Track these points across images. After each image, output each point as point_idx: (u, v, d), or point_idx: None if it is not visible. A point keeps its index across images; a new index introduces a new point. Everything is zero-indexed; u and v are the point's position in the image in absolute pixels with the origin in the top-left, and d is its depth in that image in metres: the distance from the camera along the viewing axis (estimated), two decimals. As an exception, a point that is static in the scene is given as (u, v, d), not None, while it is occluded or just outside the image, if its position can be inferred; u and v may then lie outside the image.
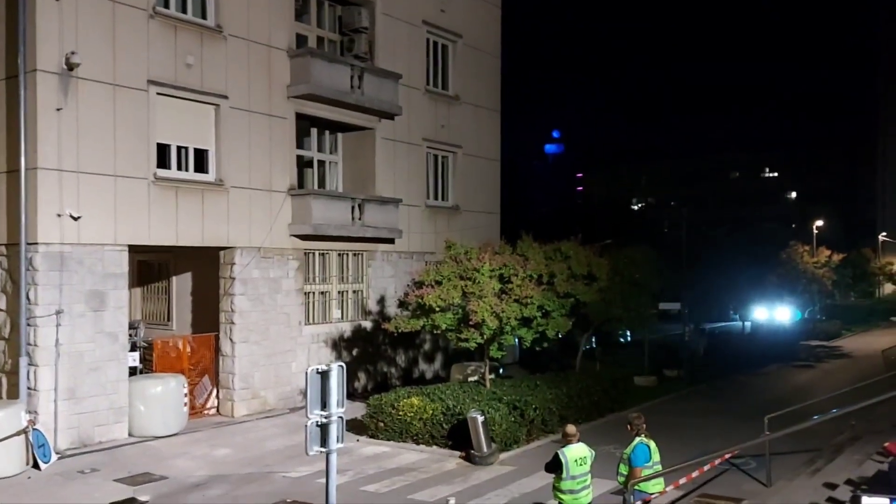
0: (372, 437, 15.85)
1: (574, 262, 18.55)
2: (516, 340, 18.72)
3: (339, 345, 20.60)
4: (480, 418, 13.96)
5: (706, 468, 11.69)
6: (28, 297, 14.61)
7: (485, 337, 15.96)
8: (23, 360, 14.54)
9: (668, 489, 10.18)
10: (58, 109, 14.70)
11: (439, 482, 13.04)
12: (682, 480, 10.95)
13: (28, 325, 14.59)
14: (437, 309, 15.99)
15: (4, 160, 15.16)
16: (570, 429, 9.36)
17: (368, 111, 21.28)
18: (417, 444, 15.29)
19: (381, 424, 15.76)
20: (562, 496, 9.10)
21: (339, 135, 22.37)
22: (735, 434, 14.65)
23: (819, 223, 54.85)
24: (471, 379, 18.46)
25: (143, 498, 12.11)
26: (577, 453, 9.11)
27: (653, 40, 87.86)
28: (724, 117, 79.57)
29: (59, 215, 14.72)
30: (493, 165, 26.69)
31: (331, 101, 20.10)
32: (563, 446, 9.21)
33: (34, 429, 13.78)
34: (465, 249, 17.05)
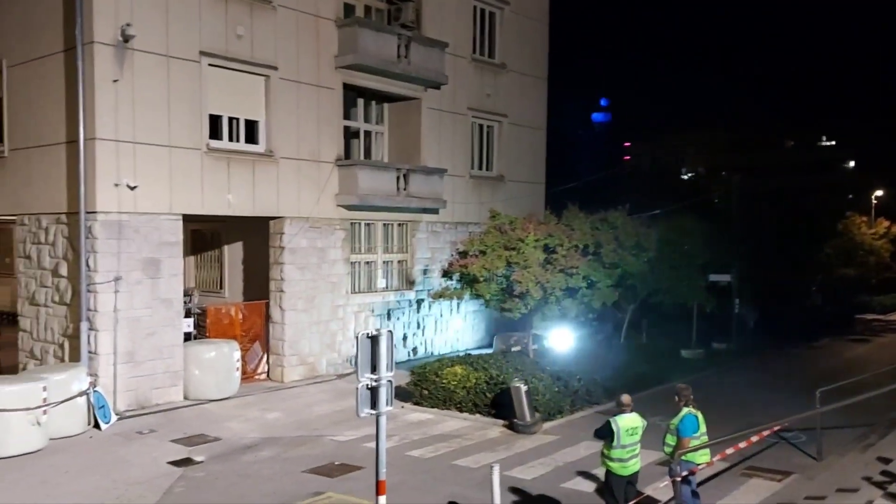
0: (416, 404, 16.12)
1: (621, 233, 18.40)
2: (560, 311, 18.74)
3: (384, 313, 20.88)
4: (524, 388, 14.08)
5: (754, 439, 11.62)
6: (88, 265, 15.15)
7: (529, 307, 16.01)
8: (83, 325, 15.14)
9: (714, 460, 10.17)
10: (114, 81, 15.06)
11: (483, 449, 13.24)
12: (730, 451, 10.91)
13: (88, 291, 15.16)
14: (481, 278, 16.08)
15: (64, 131, 15.64)
16: (625, 398, 9.35)
17: (415, 81, 21.27)
18: (461, 412, 15.51)
19: (425, 392, 16.01)
20: (610, 463, 9.18)
21: (385, 105, 22.44)
22: (785, 407, 14.50)
23: (878, 193, 53.00)
24: (514, 349, 18.58)
25: (198, 458, 12.60)
26: (629, 423, 9.16)
27: (705, 6, 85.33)
28: (777, 84, 77.17)
29: (116, 185, 15.17)
30: (538, 134, 26.48)
31: (377, 71, 20.14)
32: (616, 414, 9.24)
33: (95, 390, 14.40)
34: (509, 219, 17.07)
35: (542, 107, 26.61)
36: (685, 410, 9.51)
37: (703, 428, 9.64)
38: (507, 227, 16.72)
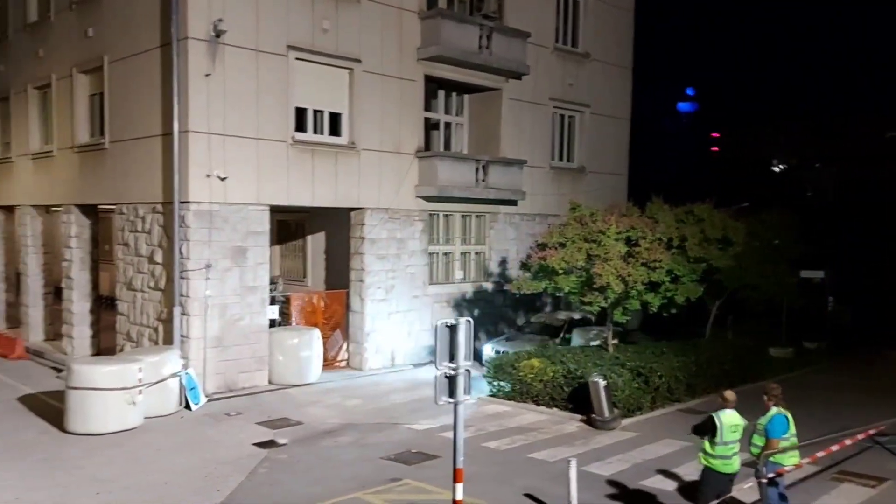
0: (492, 396, 16.14)
1: (707, 226, 17.85)
2: (641, 305, 18.37)
3: (460, 305, 20.97)
4: (602, 383, 13.90)
5: (847, 443, 11.13)
6: (181, 252, 15.82)
7: (609, 301, 15.76)
8: (176, 310, 15.84)
9: (803, 462, 9.80)
10: (206, 75, 15.64)
11: (560, 443, 13.16)
12: (821, 454, 10.48)
13: (181, 277, 15.85)
14: (560, 271, 15.91)
15: (160, 124, 16.35)
16: (729, 394, 9.05)
17: (496, 71, 21.20)
18: (537, 405, 15.44)
19: (502, 384, 16.00)
20: (712, 461, 8.94)
21: (466, 96, 22.46)
22: (879, 411, 13.82)
23: None
24: (593, 343, 18.34)
25: (281, 441, 13.01)
26: (732, 420, 8.91)
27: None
28: (876, 71, 72.86)
29: (207, 176, 15.76)
30: (621, 125, 25.96)
31: (459, 63, 20.17)
32: (718, 410, 9.00)
33: (186, 373, 15.07)
34: (590, 211, 16.79)
35: (626, 96, 26.07)
36: (774, 410, 9.18)
37: (793, 429, 9.30)
38: (587, 219, 16.44)
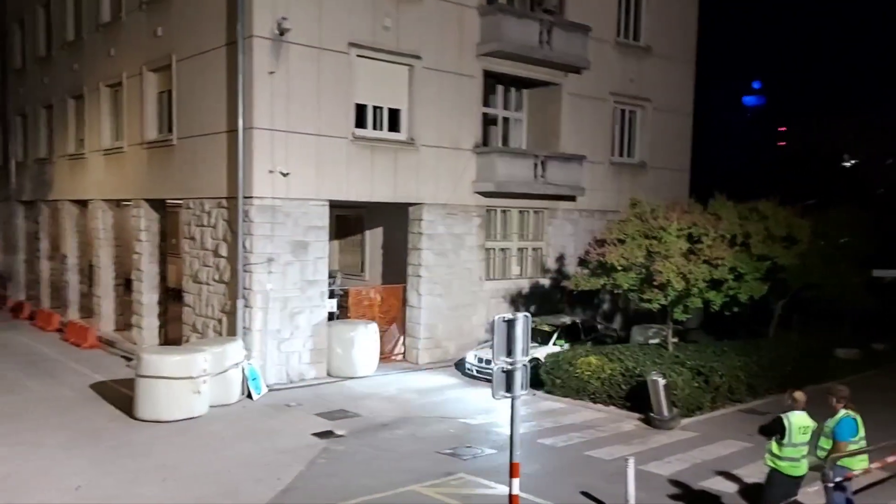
0: (548, 392, 16.08)
1: (772, 223, 17.41)
2: (702, 303, 18.02)
3: (517, 301, 20.93)
4: (662, 381, 13.70)
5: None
6: (244, 246, 16.23)
7: (669, 298, 15.51)
8: (239, 303, 16.27)
9: (872, 467, 9.47)
10: (270, 73, 15.98)
11: (617, 442, 13.03)
12: (891, 459, 10.11)
13: (244, 271, 16.26)
14: (620, 268, 15.73)
15: (225, 121, 16.78)
16: (799, 395, 8.81)
17: (556, 66, 21.06)
18: (594, 402, 15.32)
19: (558, 381, 15.93)
20: (780, 463, 8.74)
21: (525, 91, 22.37)
22: (955, 418, 13.20)
23: None
24: (652, 341, 18.08)
25: (339, 432, 13.24)
26: (801, 421, 8.70)
27: (874, -23, 78.08)
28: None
29: (270, 172, 16.11)
30: (684, 120, 25.46)
31: (518, 58, 20.11)
32: (787, 411, 8.79)
33: (248, 363, 15.46)
34: (651, 207, 16.55)
35: (689, 90, 25.56)
36: (843, 413, 8.91)
37: (861, 432, 9.00)
38: (648, 215, 16.22)
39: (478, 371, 17.22)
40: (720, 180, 20.57)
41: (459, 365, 18.38)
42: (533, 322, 17.01)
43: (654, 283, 15.29)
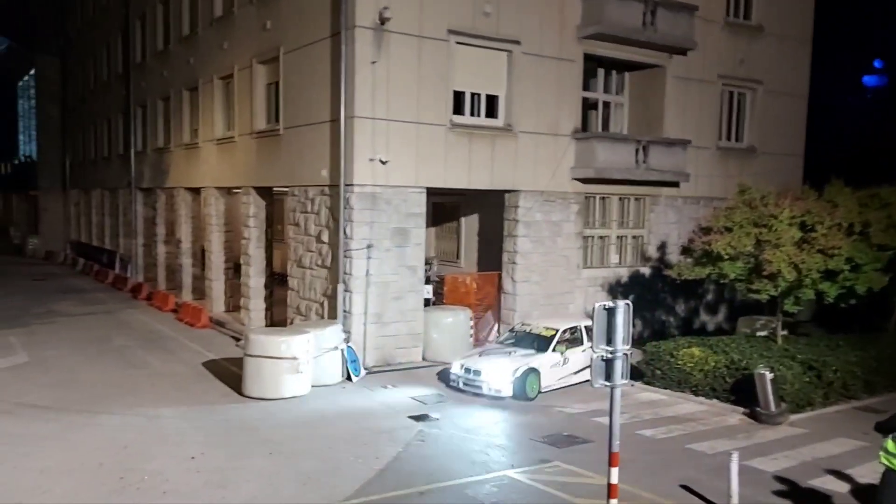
0: (647, 383, 15.74)
1: (895, 210, 16.34)
2: (815, 295, 17.13)
3: (615, 290, 20.53)
4: (769, 375, 13.15)
5: None
6: (345, 232, 16.67)
7: (779, 289, 14.84)
8: (340, 287, 16.74)
9: None
10: (372, 62, 16.27)
11: (720, 436, 12.62)
12: None
13: (345, 256, 16.71)
14: (726, 257, 15.17)
15: (328, 110, 17.23)
16: None
17: (660, 48, 20.43)
18: (696, 395, 14.88)
19: (658, 372, 15.56)
20: None
21: (626, 74, 21.82)
22: None
23: None
24: (759, 334, 17.35)
25: (435, 415, 13.43)
26: None
27: None
28: None
29: (371, 160, 16.44)
30: (797, 102, 24.17)
31: (621, 40, 19.63)
32: None
33: (348, 346, 15.91)
34: (761, 194, 15.83)
35: (804, 72, 24.24)
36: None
37: None
38: (757, 202, 15.52)
39: (464, 383, 14.83)
40: (837, 165, 19.43)
41: (443, 375, 16.00)
42: (527, 327, 16.12)
43: (764, 273, 14.67)
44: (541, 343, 15.33)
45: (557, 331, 15.57)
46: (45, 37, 46.25)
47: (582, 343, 15.67)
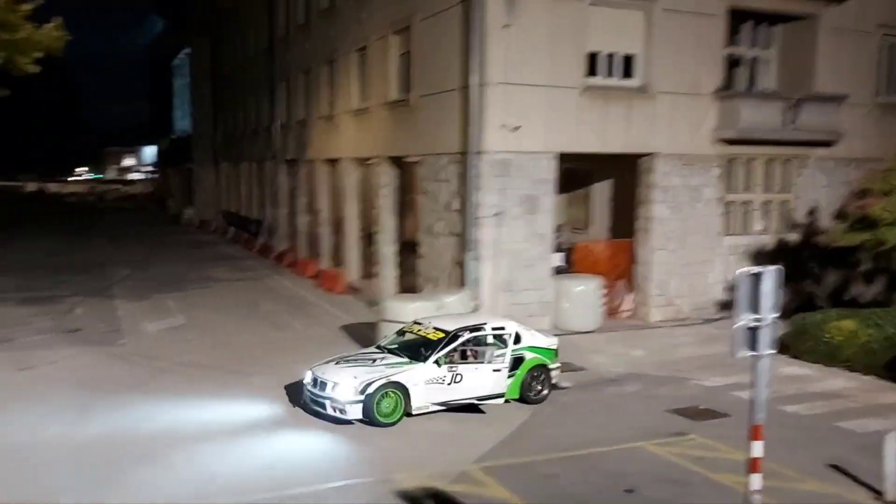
0: (793, 357, 14.89)
1: None
2: None
3: (759, 258, 19.32)
4: (933, 352, 12.04)
5: None
6: (475, 200, 16.75)
7: (947, 258, 13.54)
8: (469, 255, 16.88)
9: None
10: (504, 26, 16.09)
11: (871, 414, 11.79)
12: None
13: (474, 224, 16.81)
14: (885, 222, 14.00)
15: (458, 78, 17.22)
16: None
17: (813, -4, 18.90)
18: (847, 370, 13.93)
19: (804, 346, 14.67)
20: None
21: (774, 28, 20.35)
22: None
23: None
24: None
25: (565, 384, 13.35)
26: None
27: None
28: None
29: (502, 126, 16.34)
30: (976, 50, 21.66)
31: (768, -10, 18.34)
32: None
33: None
34: (927, 155, 14.45)
35: (984, 15, 21.63)
36: None
37: None
38: (922, 163, 14.23)
39: (312, 399, 11.33)
40: None
41: (292, 390, 12.59)
42: (419, 325, 12.14)
43: (928, 241, 13.43)
44: (426, 349, 11.72)
45: (446, 335, 11.75)
46: (198, 17, 49.18)
47: (497, 351, 12.12)
